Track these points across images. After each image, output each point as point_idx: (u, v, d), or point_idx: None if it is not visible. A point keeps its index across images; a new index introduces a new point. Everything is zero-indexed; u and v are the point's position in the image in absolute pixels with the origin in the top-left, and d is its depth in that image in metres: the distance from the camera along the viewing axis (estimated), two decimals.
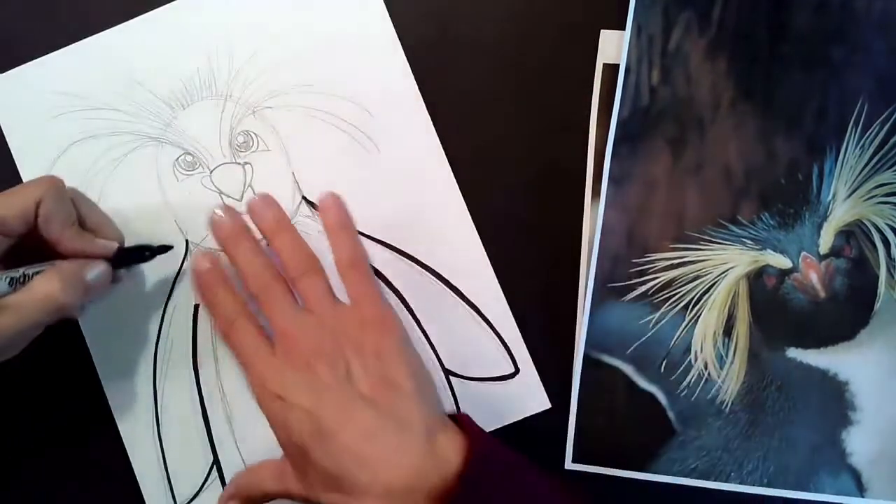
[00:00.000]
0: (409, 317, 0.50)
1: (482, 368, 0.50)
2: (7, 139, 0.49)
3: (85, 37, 0.49)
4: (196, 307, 0.49)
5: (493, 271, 0.50)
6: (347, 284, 0.46)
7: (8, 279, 0.41)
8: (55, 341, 0.49)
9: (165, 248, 0.47)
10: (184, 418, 0.49)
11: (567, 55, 0.50)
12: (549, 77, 0.50)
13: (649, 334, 0.48)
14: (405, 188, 0.50)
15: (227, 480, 0.49)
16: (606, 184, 0.49)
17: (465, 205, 0.50)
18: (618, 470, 0.49)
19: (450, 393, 0.50)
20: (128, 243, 0.48)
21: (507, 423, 0.50)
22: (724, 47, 0.48)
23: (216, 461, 0.49)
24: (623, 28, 0.49)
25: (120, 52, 0.49)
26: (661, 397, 0.48)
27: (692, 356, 0.48)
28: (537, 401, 0.50)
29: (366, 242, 0.50)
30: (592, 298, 0.49)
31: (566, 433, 0.49)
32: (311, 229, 0.49)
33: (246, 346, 0.45)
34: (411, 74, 0.49)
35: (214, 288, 0.46)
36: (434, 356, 0.50)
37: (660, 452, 0.48)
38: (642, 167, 0.49)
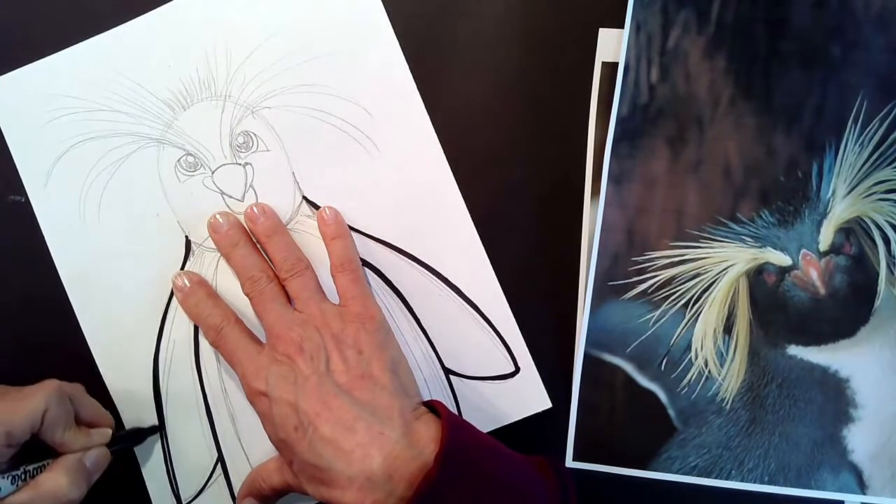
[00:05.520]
0: (410, 316, 0.50)
1: (482, 368, 0.50)
2: (7, 141, 0.49)
3: (85, 38, 0.49)
4: None
5: (493, 271, 0.50)
6: (337, 285, 0.48)
7: (10, 478, 0.42)
8: (56, 342, 0.50)
9: (155, 429, 0.49)
10: (187, 416, 0.50)
11: (566, 54, 0.50)
12: (548, 76, 0.50)
13: (649, 332, 0.48)
14: (405, 188, 0.50)
15: (231, 477, 0.50)
16: (606, 182, 0.49)
17: (464, 204, 0.50)
18: (618, 468, 0.49)
19: (450, 392, 0.50)
20: (127, 245, 0.49)
21: (507, 423, 0.50)
22: (722, 45, 0.48)
23: (220, 458, 0.50)
24: (622, 26, 0.49)
25: (119, 53, 0.49)
26: (662, 395, 0.48)
27: (692, 354, 0.48)
28: (538, 400, 0.50)
29: (366, 242, 0.50)
30: (592, 297, 0.49)
31: (566, 432, 0.49)
32: (311, 228, 0.50)
33: (233, 348, 0.47)
34: (410, 74, 0.50)
35: (199, 301, 0.48)
36: (434, 355, 0.50)
37: (660, 450, 0.48)
38: (642, 165, 0.49)
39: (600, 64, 0.50)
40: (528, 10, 0.50)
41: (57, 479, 0.43)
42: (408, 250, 0.50)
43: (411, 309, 0.50)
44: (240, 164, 0.49)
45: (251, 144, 0.49)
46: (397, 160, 0.50)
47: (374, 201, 0.50)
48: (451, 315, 0.50)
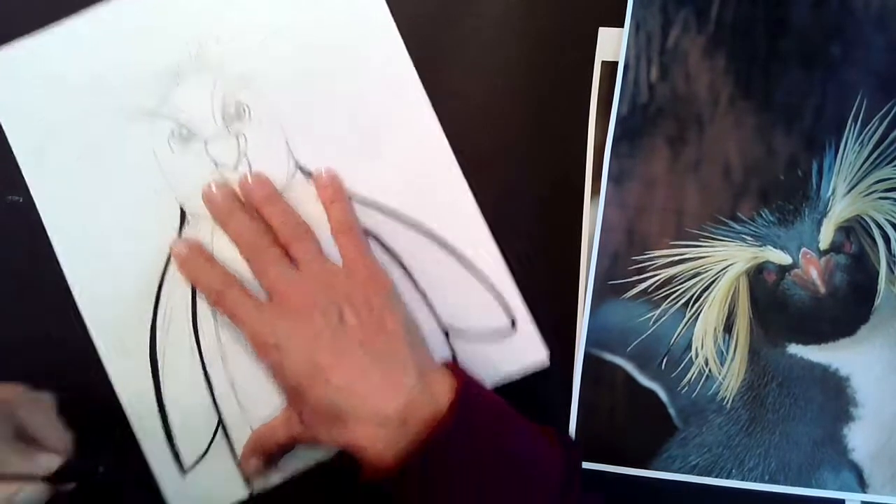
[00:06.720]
0: (407, 278, 0.50)
1: (480, 324, 0.50)
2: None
3: (73, 14, 0.49)
4: None
5: (487, 227, 0.50)
6: (340, 248, 0.48)
7: None
8: (54, 323, 0.49)
9: (107, 471, 0.46)
10: (185, 384, 0.49)
11: (566, 53, 0.50)
12: (548, 75, 0.50)
13: (650, 331, 0.48)
14: (397, 151, 0.50)
15: (233, 441, 0.49)
16: (606, 182, 0.49)
17: (456, 163, 0.49)
18: (619, 467, 0.49)
19: (449, 350, 0.50)
20: (123, 219, 0.49)
21: (508, 379, 0.50)
22: (722, 44, 0.48)
23: (221, 423, 0.49)
24: (622, 25, 0.49)
25: (111, 27, 0.49)
26: (662, 394, 0.48)
27: (693, 353, 0.48)
28: (536, 353, 0.50)
29: (362, 207, 0.50)
30: (592, 296, 0.49)
31: (566, 432, 0.49)
32: (306, 196, 0.49)
33: (238, 307, 0.46)
34: (399, 37, 0.49)
35: (198, 267, 0.48)
36: (433, 317, 0.50)
37: (661, 450, 0.48)
38: (641, 165, 0.49)
39: (600, 63, 0.50)
40: (528, 10, 0.50)
41: None
42: (403, 213, 0.50)
43: (408, 270, 0.50)
44: (233, 135, 0.49)
45: (243, 115, 0.49)
46: (388, 123, 0.50)
47: (368, 165, 0.50)
48: (448, 274, 0.50)
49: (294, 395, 0.45)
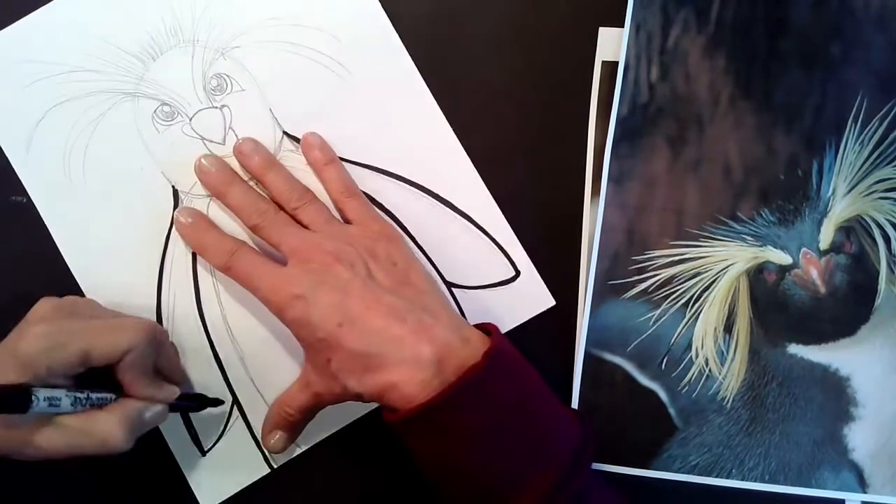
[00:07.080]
0: (406, 236, 0.50)
1: (483, 276, 0.50)
2: None
3: (48, 1, 0.49)
4: (194, 255, 0.49)
5: (481, 180, 0.50)
6: (347, 210, 0.48)
7: (72, 398, 0.41)
8: None
9: (218, 402, 0.48)
10: (197, 365, 0.49)
11: (566, 53, 0.50)
12: (548, 75, 0.50)
13: (650, 331, 0.48)
14: (382, 110, 0.50)
15: (249, 417, 0.49)
16: (606, 182, 0.49)
17: (444, 117, 0.50)
18: (619, 467, 0.49)
19: (454, 305, 0.50)
20: (116, 202, 0.49)
21: (516, 324, 0.50)
22: (722, 44, 0.48)
23: (236, 401, 0.49)
24: (622, 25, 0.49)
25: (84, 11, 0.49)
26: (663, 394, 0.48)
27: (693, 353, 0.48)
28: (541, 300, 0.50)
29: (352, 168, 0.50)
30: (592, 296, 0.49)
31: None
32: (296, 163, 0.49)
33: (251, 269, 0.45)
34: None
35: (203, 234, 0.48)
36: (436, 272, 0.50)
37: (661, 449, 0.48)
38: (642, 165, 0.49)
39: (600, 63, 0.50)
40: (528, 10, 0.50)
41: (112, 424, 0.42)
42: (392, 170, 0.50)
43: (405, 228, 0.50)
44: (216, 108, 0.49)
45: (225, 86, 0.49)
46: (371, 83, 0.50)
47: (355, 127, 0.50)
48: (446, 229, 0.50)
49: (320, 347, 0.43)
